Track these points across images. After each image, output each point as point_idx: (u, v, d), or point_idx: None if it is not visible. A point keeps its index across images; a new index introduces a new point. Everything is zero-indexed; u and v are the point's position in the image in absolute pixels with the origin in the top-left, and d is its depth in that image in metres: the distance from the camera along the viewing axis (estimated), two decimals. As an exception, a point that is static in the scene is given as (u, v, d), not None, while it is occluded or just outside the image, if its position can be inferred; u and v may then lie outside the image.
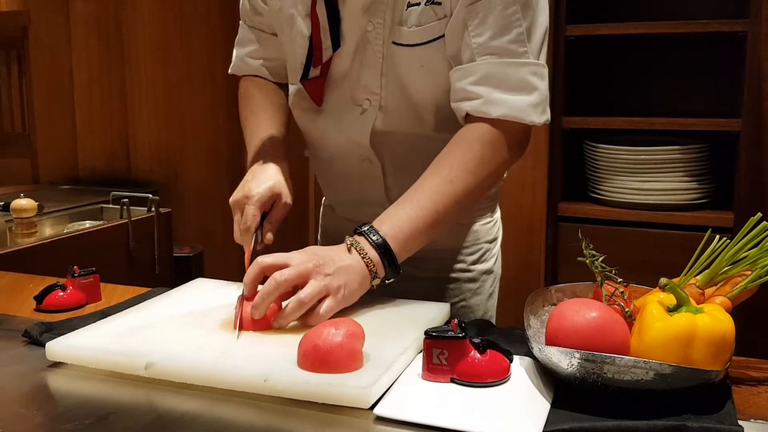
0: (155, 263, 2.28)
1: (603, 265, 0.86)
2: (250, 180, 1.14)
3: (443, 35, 1.07)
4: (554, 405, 0.76)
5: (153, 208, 2.27)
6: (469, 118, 1.07)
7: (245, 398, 0.79)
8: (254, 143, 1.22)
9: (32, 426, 0.75)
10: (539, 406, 0.75)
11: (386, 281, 1.01)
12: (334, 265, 0.96)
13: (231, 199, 1.14)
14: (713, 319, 0.76)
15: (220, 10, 2.65)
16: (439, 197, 1.03)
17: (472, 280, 1.27)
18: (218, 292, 1.11)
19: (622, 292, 0.85)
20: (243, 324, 0.93)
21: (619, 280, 0.87)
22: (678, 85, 2.36)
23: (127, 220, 2.19)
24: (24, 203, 2.01)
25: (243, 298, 0.96)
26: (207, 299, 1.07)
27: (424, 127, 1.15)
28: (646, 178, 2.16)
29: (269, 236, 1.13)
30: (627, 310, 0.83)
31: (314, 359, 0.80)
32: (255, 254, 1.10)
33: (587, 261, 0.87)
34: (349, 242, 1.00)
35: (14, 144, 3.05)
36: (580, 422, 0.71)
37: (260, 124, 1.25)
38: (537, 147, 2.22)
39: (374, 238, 0.99)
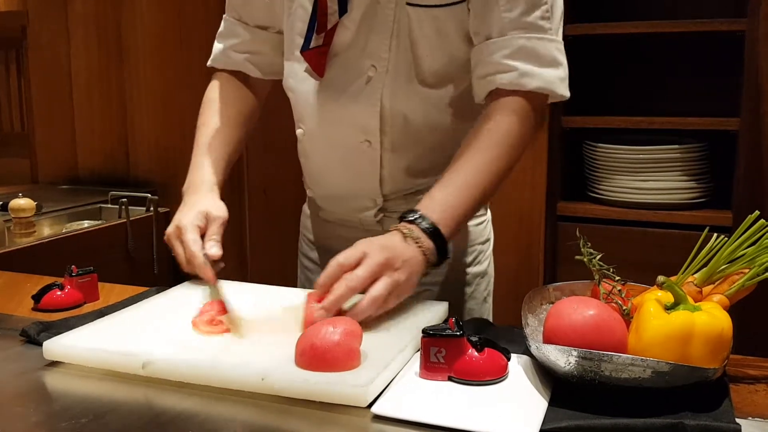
0: (154, 263, 2.28)
1: (600, 263, 0.86)
2: (180, 211, 1.13)
3: (463, 0, 1.07)
4: (552, 403, 0.76)
5: (152, 208, 2.27)
6: (499, 91, 1.07)
7: (243, 397, 0.79)
8: (192, 165, 1.21)
9: (29, 425, 0.75)
10: (537, 404, 0.75)
11: (436, 266, 1.01)
12: (401, 258, 0.95)
13: (165, 236, 1.13)
14: (711, 317, 0.76)
15: (219, 11, 2.64)
16: (485, 176, 1.04)
17: (466, 283, 1.24)
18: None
19: (619, 290, 0.86)
20: (306, 323, 0.90)
21: (617, 278, 0.87)
22: (677, 84, 2.36)
23: (125, 220, 2.19)
24: (22, 203, 2.01)
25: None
26: (203, 298, 1.07)
27: (435, 102, 1.13)
28: (645, 178, 2.16)
29: (213, 251, 1.08)
30: (624, 308, 0.83)
31: (312, 357, 0.80)
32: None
33: (585, 259, 0.87)
34: (403, 231, 0.98)
35: (13, 144, 3.05)
36: (577, 420, 0.71)
37: (200, 145, 1.22)
38: (536, 146, 2.22)
39: (426, 225, 0.99)
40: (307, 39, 1.13)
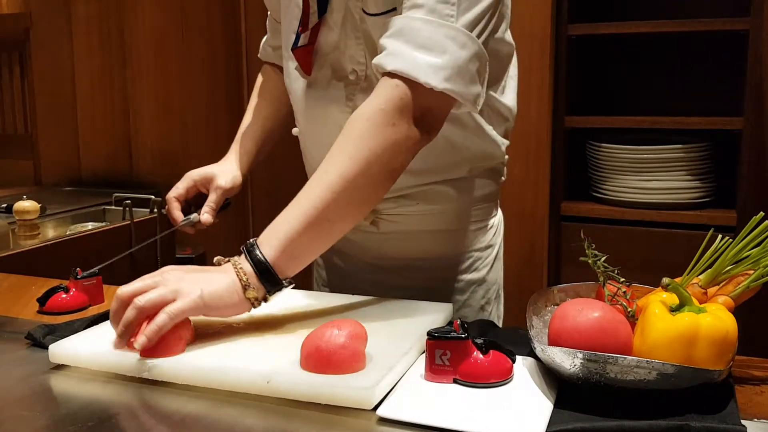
0: (158, 265, 2.28)
1: (605, 264, 0.86)
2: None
3: (394, 9, 1.02)
4: (557, 405, 0.76)
5: (155, 210, 2.27)
6: (382, 77, 0.98)
7: (248, 400, 0.79)
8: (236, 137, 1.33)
9: (35, 429, 0.75)
10: (542, 406, 0.75)
11: (269, 294, 0.92)
12: (191, 275, 0.90)
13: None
14: (716, 319, 0.76)
15: (221, 12, 2.65)
16: (315, 191, 0.93)
17: (459, 291, 1.20)
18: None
19: (624, 292, 0.85)
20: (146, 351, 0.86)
21: (622, 279, 0.87)
22: (680, 83, 2.36)
23: (129, 222, 2.19)
24: (26, 205, 2.01)
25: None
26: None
27: None
28: (649, 177, 2.16)
29: (205, 217, 1.20)
30: (629, 310, 0.83)
31: (317, 360, 0.80)
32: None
33: (589, 261, 0.87)
34: (224, 260, 0.94)
35: (16, 146, 3.06)
36: (583, 422, 0.71)
37: (246, 118, 1.34)
38: (539, 146, 2.22)
39: (249, 250, 0.92)
40: (297, 37, 1.12)
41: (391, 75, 0.95)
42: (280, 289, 0.93)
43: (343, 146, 0.95)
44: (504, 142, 1.20)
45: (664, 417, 0.71)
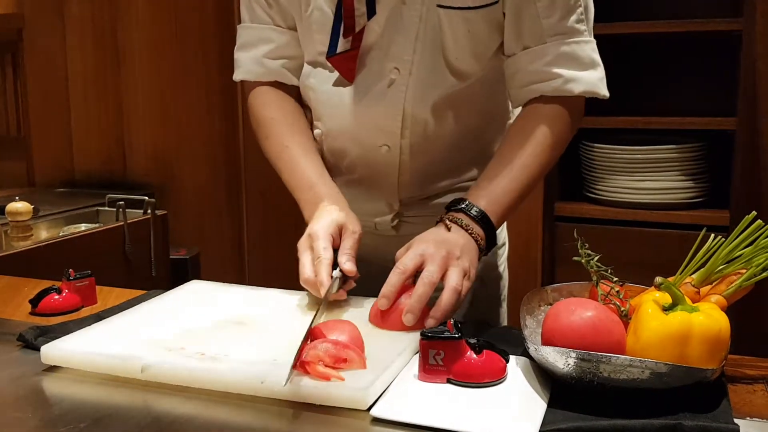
0: (151, 266, 2.27)
1: (598, 264, 0.86)
2: (312, 223, 1.05)
3: (496, 2, 1.06)
4: (551, 405, 0.76)
5: (149, 211, 2.26)
6: (541, 98, 1.09)
7: (242, 400, 0.78)
8: (301, 184, 1.12)
9: (27, 430, 0.75)
10: (536, 406, 0.75)
11: (484, 255, 1.02)
12: (458, 247, 0.96)
13: (299, 244, 1.04)
14: (708, 318, 0.76)
15: (214, 13, 2.65)
16: (528, 170, 1.06)
17: (486, 284, 1.23)
18: (214, 294, 1.11)
19: (617, 292, 0.86)
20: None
21: (615, 279, 0.87)
22: (673, 84, 2.37)
23: (123, 223, 2.18)
24: (19, 206, 2.01)
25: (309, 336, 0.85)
26: (203, 301, 1.07)
27: (455, 104, 1.12)
28: (642, 177, 2.17)
29: (348, 266, 1.00)
30: (623, 309, 0.83)
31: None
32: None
33: (583, 261, 0.87)
34: (449, 220, 1.00)
35: (9, 147, 3.05)
36: (576, 422, 0.71)
37: (297, 160, 1.14)
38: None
39: (475, 213, 1.01)
40: (333, 43, 1.09)
41: (567, 97, 1.08)
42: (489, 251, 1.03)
43: (547, 137, 1.07)
44: None
45: (657, 416, 0.71)
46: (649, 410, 0.72)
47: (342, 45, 1.09)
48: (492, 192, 1.04)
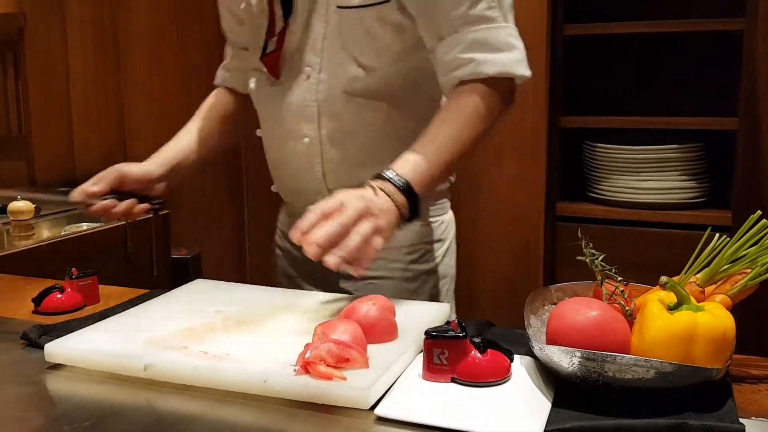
0: (153, 265, 2.27)
1: (603, 264, 0.86)
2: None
3: (387, 1, 1.14)
4: (555, 404, 0.76)
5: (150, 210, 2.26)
6: (463, 83, 1.14)
7: (245, 399, 0.78)
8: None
9: (31, 429, 0.75)
10: (540, 405, 0.75)
11: (407, 223, 1.07)
12: (377, 207, 1.00)
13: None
14: (714, 317, 0.76)
15: (215, 13, 2.64)
16: (454, 143, 1.10)
17: (410, 279, 1.28)
18: (217, 293, 1.11)
19: (622, 291, 0.85)
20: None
21: (619, 278, 0.87)
22: (675, 83, 2.36)
23: (124, 222, 2.18)
24: (21, 206, 2.00)
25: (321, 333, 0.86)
26: (206, 300, 1.07)
27: (367, 96, 1.20)
28: (644, 177, 2.16)
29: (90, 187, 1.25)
30: (627, 308, 0.83)
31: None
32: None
33: (587, 260, 0.87)
34: (376, 185, 1.03)
35: (10, 146, 3.04)
36: (581, 421, 0.71)
37: (179, 135, 1.42)
38: (535, 146, 2.22)
39: (399, 182, 1.04)
40: (265, 45, 1.24)
41: (486, 79, 1.13)
42: (413, 221, 1.07)
43: (471, 115, 1.12)
44: None
45: (663, 415, 0.71)
46: (654, 410, 0.72)
47: (270, 46, 1.24)
48: (417, 163, 1.07)
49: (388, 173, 1.05)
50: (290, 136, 1.25)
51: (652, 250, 2.13)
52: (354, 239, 0.94)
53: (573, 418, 0.72)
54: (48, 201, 2.37)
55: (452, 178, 1.34)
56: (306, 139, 1.23)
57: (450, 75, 1.15)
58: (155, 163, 1.35)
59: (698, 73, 2.33)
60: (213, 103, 1.45)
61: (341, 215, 0.95)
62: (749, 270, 0.85)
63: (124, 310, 1.03)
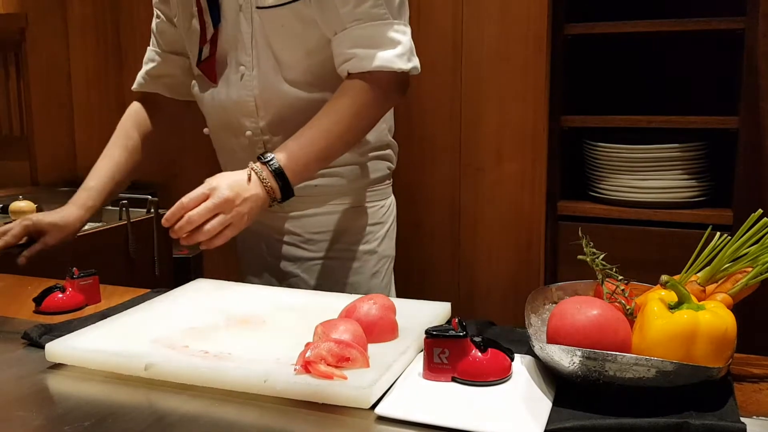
0: (155, 265, 2.27)
1: (604, 263, 0.86)
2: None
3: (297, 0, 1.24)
4: (556, 403, 0.76)
5: (152, 210, 2.26)
6: (351, 75, 1.25)
7: (245, 399, 0.78)
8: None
9: (32, 428, 0.75)
10: (541, 404, 0.75)
11: (280, 203, 1.19)
12: (242, 196, 1.13)
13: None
14: (715, 316, 0.76)
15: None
16: (327, 135, 1.22)
17: (353, 259, 1.39)
18: (217, 293, 1.11)
19: (623, 290, 0.85)
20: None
21: (620, 277, 0.87)
22: (676, 82, 2.36)
23: (126, 222, 2.18)
24: (23, 205, 2.01)
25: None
26: (207, 299, 1.07)
27: (295, 86, 1.29)
28: (645, 176, 2.16)
29: (20, 260, 1.34)
30: (628, 307, 0.83)
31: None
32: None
33: (588, 259, 0.87)
34: (253, 170, 1.16)
35: (12, 146, 3.04)
36: (581, 420, 0.71)
37: (92, 171, 1.52)
38: (536, 146, 2.22)
39: (274, 167, 1.17)
40: (199, 53, 1.34)
41: (367, 73, 1.23)
42: (286, 200, 1.20)
43: (349, 107, 1.23)
44: (391, 130, 1.45)
45: (664, 415, 0.71)
46: (655, 409, 0.72)
47: (204, 53, 1.34)
48: (293, 151, 1.19)
49: (268, 156, 1.17)
50: (233, 131, 1.35)
51: (652, 249, 2.13)
52: (202, 234, 1.10)
53: (574, 418, 0.72)
54: (49, 201, 2.37)
55: (391, 165, 1.46)
56: (248, 132, 1.33)
57: (340, 68, 1.25)
58: (79, 210, 1.45)
59: (699, 72, 2.33)
60: (131, 131, 1.52)
61: (195, 212, 1.09)
62: (750, 269, 0.85)
63: (125, 309, 1.03)
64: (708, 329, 0.74)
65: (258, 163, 1.18)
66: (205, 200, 1.11)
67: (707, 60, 2.31)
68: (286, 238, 1.40)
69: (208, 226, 1.10)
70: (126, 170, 1.50)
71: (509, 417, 0.72)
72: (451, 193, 2.24)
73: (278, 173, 1.17)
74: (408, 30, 1.27)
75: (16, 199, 2.04)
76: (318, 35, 1.27)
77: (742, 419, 0.71)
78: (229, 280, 1.18)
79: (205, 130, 1.47)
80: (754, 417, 0.74)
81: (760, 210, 0.85)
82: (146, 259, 2.24)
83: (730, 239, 0.86)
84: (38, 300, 1.10)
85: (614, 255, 0.90)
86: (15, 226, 1.36)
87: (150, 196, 2.33)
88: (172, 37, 1.44)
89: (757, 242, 0.85)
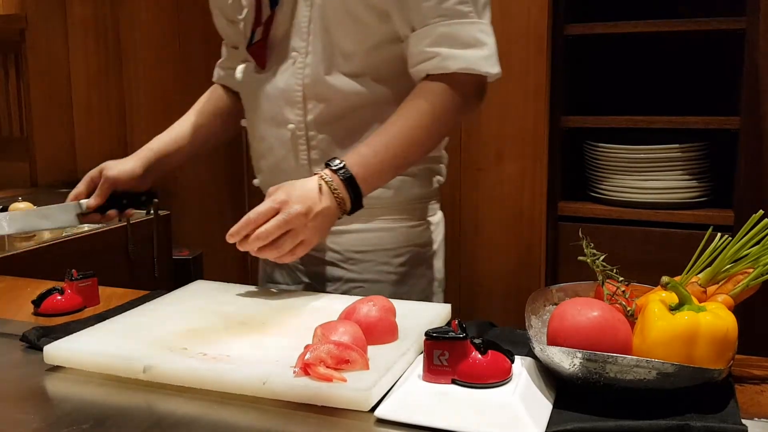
0: (154, 266, 2.27)
1: (604, 264, 0.86)
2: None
3: None
4: (556, 405, 0.75)
5: (152, 211, 2.26)
6: (430, 76, 1.15)
7: (244, 401, 0.78)
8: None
9: (30, 431, 0.74)
10: (541, 406, 0.75)
11: (348, 215, 1.11)
12: (314, 210, 1.05)
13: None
14: (715, 318, 0.75)
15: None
16: (405, 141, 1.13)
17: (399, 283, 1.26)
18: (217, 294, 1.10)
19: (623, 291, 0.85)
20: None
21: (621, 279, 0.86)
22: (676, 83, 2.36)
23: (125, 223, 2.18)
24: (22, 206, 2.00)
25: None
26: (206, 301, 1.06)
27: (351, 80, 1.19)
28: (646, 177, 2.16)
29: (89, 201, 1.37)
30: (629, 309, 0.82)
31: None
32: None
33: (588, 260, 0.86)
34: (323, 179, 1.08)
35: (12, 147, 3.04)
36: (582, 422, 0.71)
37: (173, 126, 1.46)
38: (536, 146, 2.22)
39: (345, 175, 1.08)
40: (252, 35, 1.24)
41: (449, 75, 1.14)
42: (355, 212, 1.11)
43: (429, 111, 1.14)
44: (444, 143, 1.32)
45: (664, 417, 0.71)
46: (655, 411, 0.72)
47: (256, 36, 1.24)
48: (365, 158, 1.10)
49: (339, 166, 1.08)
50: (274, 123, 1.25)
51: (653, 250, 2.12)
52: (273, 251, 1.04)
53: (574, 420, 0.72)
54: (49, 201, 2.37)
55: (441, 178, 1.33)
56: (291, 125, 1.22)
57: (417, 67, 1.16)
58: (140, 160, 1.38)
59: (700, 73, 2.33)
60: (207, 98, 1.48)
61: (264, 228, 1.02)
62: (751, 270, 0.84)
63: (124, 311, 1.03)
64: (709, 331, 0.74)
65: (328, 171, 1.08)
66: (274, 215, 1.04)
67: (708, 60, 2.31)
68: (324, 256, 1.27)
69: (278, 246, 1.03)
70: (198, 132, 1.44)
71: (509, 419, 0.72)
72: (452, 194, 2.24)
73: (350, 182, 1.08)
74: (492, 32, 1.17)
75: (16, 200, 2.04)
76: (386, 29, 1.17)
77: (744, 421, 0.71)
78: (228, 282, 1.17)
79: (243, 121, 1.37)
80: (756, 419, 0.74)
81: (761, 211, 0.85)
82: (146, 261, 2.24)
83: (731, 240, 0.86)
84: (37, 302, 1.10)
85: (615, 255, 0.89)
86: (81, 186, 1.39)
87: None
88: (230, 34, 1.38)
89: (758, 243, 0.85)
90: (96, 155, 2.91)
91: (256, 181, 1.37)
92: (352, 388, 0.76)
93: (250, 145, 1.35)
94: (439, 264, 1.34)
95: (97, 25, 2.84)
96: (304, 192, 1.06)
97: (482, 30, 1.15)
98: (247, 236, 1.04)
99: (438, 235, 1.34)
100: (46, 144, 2.98)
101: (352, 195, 1.08)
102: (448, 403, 0.75)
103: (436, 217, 1.34)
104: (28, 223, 1.32)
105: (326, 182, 1.07)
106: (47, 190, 2.89)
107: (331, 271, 1.27)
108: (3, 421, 0.77)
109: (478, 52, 1.14)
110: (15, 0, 2.94)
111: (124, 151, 2.86)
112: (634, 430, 0.70)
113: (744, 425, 0.69)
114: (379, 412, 0.74)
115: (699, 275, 0.87)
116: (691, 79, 2.34)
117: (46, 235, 2.16)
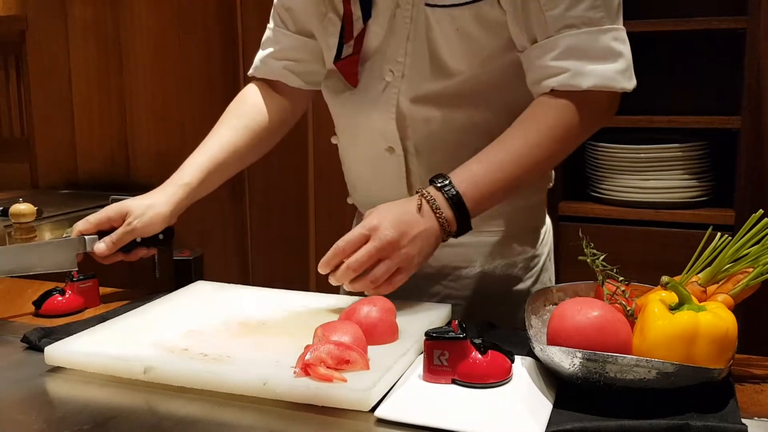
0: (155, 267, 2.27)
1: (604, 263, 0.86)
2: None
3: None
4: (556, 405, 0.75)
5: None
6: (554, 92, 1.02)
7: (245, 402, 0.78)
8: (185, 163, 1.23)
9: (31, 432, 0.75)
10: (541, 406, 0.75)
11: (455, 237, 1.00)
12: (411, 234, 0.95)
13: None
14: (715, 317, 0.75)
15: (217, 14, 2.65)
16: (522, 160, 1.00)
17: (502, 303, 1.18)
18: (218, 295, 1.10)
19: (623, 291, 0.85)
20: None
21: (621, 278, 0.86)
22: (678, 82, 2.35)
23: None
24: (23, 208, 2.00)
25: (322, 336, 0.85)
26: (207, 302, 1.07)
27: (454, 101, 1.08)
28: (647, 177, 2.16)
29: (99, 246, 1.14)
30: (629, 308, 0.82)
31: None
32: (85, 258, 1.15)
33: (588, 260, 0.86)
34: (425, 198, 0.97)
35: (13, 149, 3.05)
36: (582, 422, 0.71)
37: (202, 146, 1.24)
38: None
39: (451, 194, 0.97)
40: (339, 48, 1.12)
41: (579, 92, 1.01)
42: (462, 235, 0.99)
43: (553, 129, 1.02)
44: None
45: (665, 416, 0.71)
46: (656, 410, 0.72)
47: (346, 49, 1.11)
48: (475, 176, 0.98)
49: (444, 183, 0.97)
50: (371, 147, 1.13)
51: (653, 250, 2.12)
52: (359, 284, 0.95)
53: (574, 420, 0.72)
54: (50, 203, 2.37)
55: (550, 183, 1.25)
56: (388, 151, 1.12)
57: (540, 83, 1.03)
58: (172, 205, 1.18)
59: (701, 72, 2.32)
60: (247, 110, 1.26)
61: (354, 259, 0.93)
62: (751, 269, 0.84)
63: (124, 312, 1.03)
64: (709, 330, 0.74)
65: (431, 188, 0.98)
66: (364, 242, 0.94)
67: (709, 60, 2.31)
68: (425, 270, 1.11)
69: (371, 276, 0.94)
70: (234, 155, 1.23)
71: (510, 419, 0.72)
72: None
73: (455, 201, 0.96)
74: (626, 38, 1.04)
75: (17, 201, 2.04)
76: (497, 42, 1.05)
77: (744, 420, 0.71)
78: (229, 282, 1.17)
79: (333, 138, 1.24)
80: (756, 418, 0.74)
81: (761, 210, 0.85)
82: (146, 262, 2.23)
83: (731, 240, 0.86)
84: (38, 303, 1.10)
85: (615, 255, 0.89)
86: (91, 220, 1.15)
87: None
88: (303, 15, 1.19)
89: (758, 242, 0.85)
90: (96, 156, 2.92)
91: (350, 199, 1.28)
92: (352, 389, 0.76)
93: (342, 162, 1.24)
94: (545, 278, 1.26)
95: (98, 25, 2.84)
96: (398, 215, 0.95)
97: (617, 38, 1.02)
98: (337, 267, 0.95)
99: (545, 246, 1.26)
100: (47, 145, 2.99)
101: (458, 215, 0.97)
102: (449, 403, 0.75)
103: (544, 228, 1.26)
104: (18, 263, 1.12)
105: (427, 201, 0.97)
106: (48, 191, 2.89)
107: (428, 287, 1.18)
108: (4, 422, 0.77)
109: (613, 66, 1.01)
110: (15, 1, 2.95)
111: (124, 152, 2.87)
112: (634, 429, 0.70)
113: (744, 425, 0.70)
114: (380, 412, 0.74)
115: (699, 275, 0.87)
116: (693, 78, 2.34)
117: (47, 236, 2.16)
